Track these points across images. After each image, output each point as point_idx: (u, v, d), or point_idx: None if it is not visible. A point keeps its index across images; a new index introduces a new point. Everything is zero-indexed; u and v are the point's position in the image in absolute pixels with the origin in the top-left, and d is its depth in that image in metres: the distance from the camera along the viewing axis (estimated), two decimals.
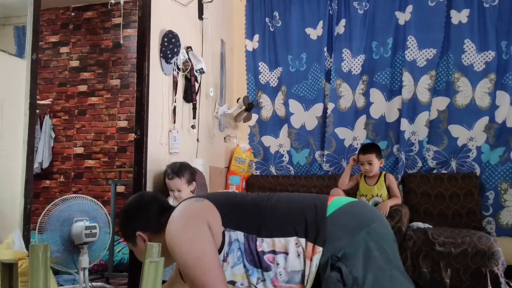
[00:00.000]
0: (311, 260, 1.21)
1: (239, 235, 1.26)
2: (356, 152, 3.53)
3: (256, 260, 1.25)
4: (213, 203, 1.30)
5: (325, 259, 1.19)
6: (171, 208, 1.42)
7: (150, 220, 1.39)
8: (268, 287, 1.27)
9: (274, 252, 1.24)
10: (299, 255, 1.23)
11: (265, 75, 4.16)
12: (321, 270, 1.20)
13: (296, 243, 1.23)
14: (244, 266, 1.27)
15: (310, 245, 1.22)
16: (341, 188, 3.33)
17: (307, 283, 1.23)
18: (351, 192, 3.41)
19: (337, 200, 1.32)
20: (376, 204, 3.16)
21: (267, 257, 1.24)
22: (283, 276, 1.24)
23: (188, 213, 1.30)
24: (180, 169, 2.53)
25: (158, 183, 2.75)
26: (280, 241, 1.23)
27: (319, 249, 1.21)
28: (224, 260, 1.27)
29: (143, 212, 1.41)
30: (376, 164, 3.22)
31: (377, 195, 3.20)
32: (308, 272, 1.22)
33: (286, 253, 1.23)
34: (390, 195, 3.21)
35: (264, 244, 1.24)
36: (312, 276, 1.22)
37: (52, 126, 4.99)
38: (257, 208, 1.31)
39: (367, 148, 3.30)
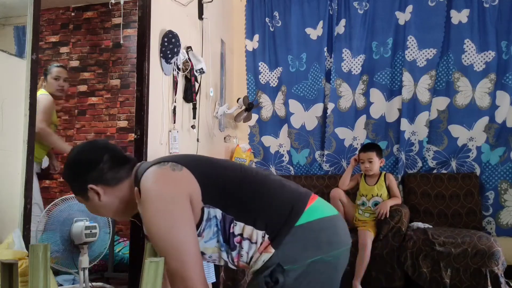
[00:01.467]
0: (260, 253, 1.22)
1: (218, 213, 1.22)
2: (357, 152, 3.53)
3: (227, 238, 1.24)
4: (193, 174, 1.20)
5: (271, 263, 1.19)
6: (129, 160, 1.32)
7: (104, 173, 1.25)
8: (233, 261, 1.28)
9: (242, 236, 1.23)
10: (259, 246, 1.24)
11: (265, 75, 4.16)
12: (262, 268, 1.21)
13: (263, 236, 1.23)
14: (218, 241, 1.25)
15: (267, 241, 1.22)
16: (341, 188, 3.33)
17: (249, 269, 1.26)
18: (351, 192, 3.42)
19: (315, 208, 1.26)
20: (376, 204, 3.16)
21: (235, 239, 1.24)
22: (244, 257, 1.25)
23: (167, 187, 1.17)
24: None
25: None
26: (250, 229, 1.22)
27: (271, 250, 1.21)
28: (199, 235, 1.24)
29: (95, 163, 1.25)
30: (377, 162, 3.23)
31: (377, 195, 3.20)
32: (254, 260, 1.23)
33: (252, 242, 1.23)
34: (390, 195, 3.21)
35: (236, 228, 1.23)
36: (255, 268, 1.23)
37: None
38: (240, 188, 1.25)
39: (368, 147, 3.32)
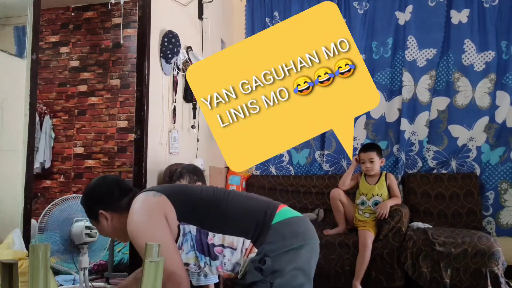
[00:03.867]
0: (247, 256, 1.41)
1: (192, 228, 1.44)
2: (357, 152, 3.53)
3: (206, 250, 1.44)
4: (169, 199, 1.44)
5: (258, 257, 1.39)
6: (132, 191, 1.58)
7: (112, 201, 1.53)
8: (212, 271, 1.48)
9: (223, 246, 1.43)
10: (242, 251, 1.42)
11: None
12: (250, 263, 1.40)
13: (243, 242, 1.42)
14: (195, 253, 1.46)
15: (250, 245, 1.42)
16: (341, 188, 3.32)
17: (239, 273, 1.44)
18: (351, 191, 3.41)
19: (285, 211, 1.49)
20: (376, 204, 3.16)
21: (216, 249, 1.43)
22: (227, 265, 1.44)
23: (148, 207, 1.43)
24: (181, 175, 2.48)
25: (158, 183, 2.75)
26: (229, 238, 1.42)
27: (255, 250, 1.41)
28: (180, 248, 1.46)
29: (106, 193, 1.54)
30: (377, 162, 3.22)
31: (377, 195, 3.19)
32: (243, 265, 1.42)
33: (233, 249, 1.42)
34: (391, 194, 3.21)
35: (215, 238, 1.43)
36: (244, 269, 1.42)
37: (52, 126, 4.99)
38: (213, 206, 1.47)
39: (368, 146, 3.30)
